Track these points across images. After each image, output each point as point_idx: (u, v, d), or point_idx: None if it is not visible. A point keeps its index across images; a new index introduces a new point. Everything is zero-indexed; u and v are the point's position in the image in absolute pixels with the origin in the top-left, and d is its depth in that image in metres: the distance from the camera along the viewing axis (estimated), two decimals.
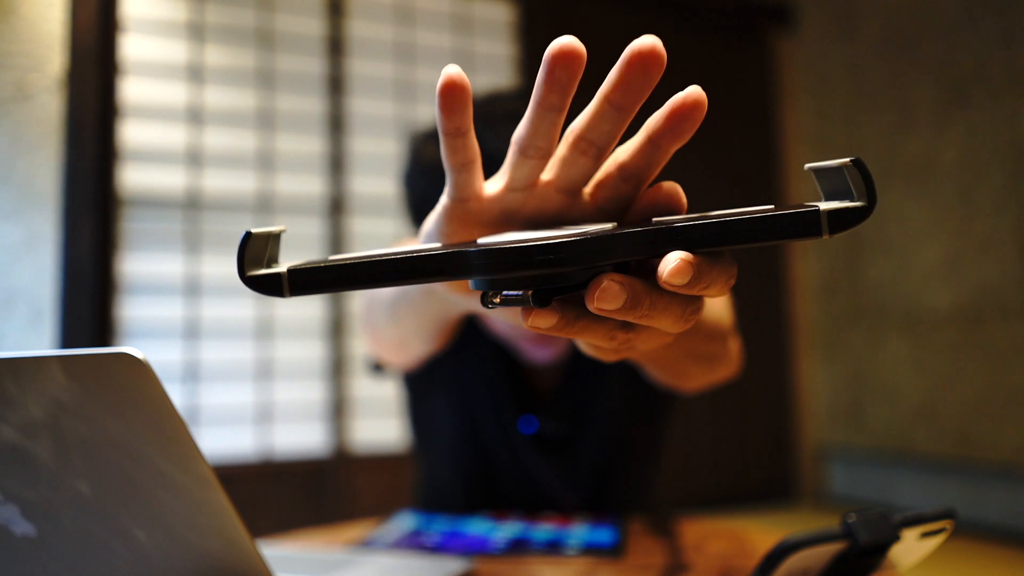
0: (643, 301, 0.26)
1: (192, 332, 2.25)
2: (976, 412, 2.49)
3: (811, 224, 0.25)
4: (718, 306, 0.60)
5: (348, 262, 0.28)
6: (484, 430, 0.80)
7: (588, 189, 0.32)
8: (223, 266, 2.29)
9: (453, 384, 0.81)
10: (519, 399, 0.79)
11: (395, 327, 0.66)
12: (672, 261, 0.25)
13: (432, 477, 0.86)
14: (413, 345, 0.71)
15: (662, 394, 0.81)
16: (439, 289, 0.38)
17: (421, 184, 0.74)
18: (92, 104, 2.13)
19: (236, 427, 2.26)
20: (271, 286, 0.28)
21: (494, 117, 0.68)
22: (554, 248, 0.25)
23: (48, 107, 2.08)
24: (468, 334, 0.79)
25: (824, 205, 0.25)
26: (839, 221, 0.25)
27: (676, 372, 0.64)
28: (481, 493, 0.80)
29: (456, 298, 0.38)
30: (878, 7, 2.91)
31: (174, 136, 2.28)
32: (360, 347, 2.40)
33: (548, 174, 0.32)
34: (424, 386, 0.84)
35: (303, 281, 0.28)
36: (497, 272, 0.26)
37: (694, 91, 0.27)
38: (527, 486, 0.79)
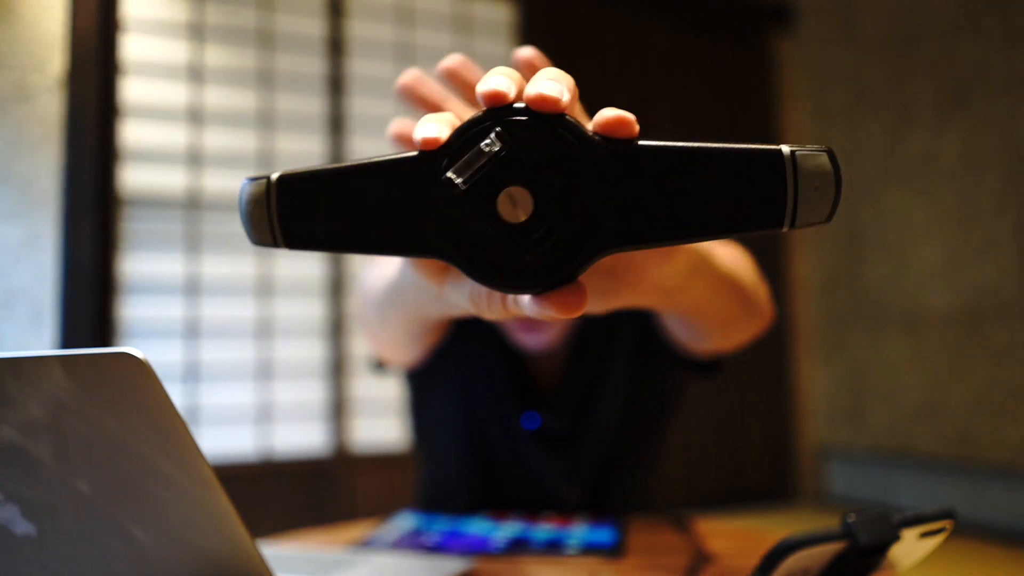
0: None
1: (192, 332, 2.25)
2: (976, 412, 2.49)
3: (773, 152, 0.26)
4: (732, 257, 0.59)
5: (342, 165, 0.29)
6: (486, 427, 0.80)
7: None
8: (223, 266, 2.29)
9: (455, 381, 0.81)
10: (522, 395, 0.79)
11: (384, 328, 0.67)
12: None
13: (434, 474, 0.86)
14: (404, 345, 0.72)
15: (665, 389, 0.81)
16: (424, 284, 0.37)
17: None
18: (92, 104, 2.13)
19: (236, 427, 2.26)
20: (260, 195, 0.29)
21: None
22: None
23: (48, 107, 2.08)
24: (469, 332, 0.79)
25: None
26: (799, 151, 0.26)
27: (723, 321, 0.61)
28: (482, 489, 0.80)
29: (435, 292, 0.37)
30: (878, 8, 2.92)
31: (174, 136, 2.28)
32: (360, 346, 2.40)
33: None
34: (426, 383, 0.84)
35: (290, 181, 0.29)
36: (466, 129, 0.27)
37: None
38: (528, 482, 0.79)
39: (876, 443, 2.87)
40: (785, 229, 0.27)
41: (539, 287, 0.28)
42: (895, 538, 0.37)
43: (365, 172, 0.28)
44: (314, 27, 2.47)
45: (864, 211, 2.95)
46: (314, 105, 2.45)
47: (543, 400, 0.80)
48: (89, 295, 2.09)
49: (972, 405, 2.51)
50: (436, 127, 0.28)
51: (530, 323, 0.75)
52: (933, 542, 0.40)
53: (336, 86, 2.47)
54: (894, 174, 2.82)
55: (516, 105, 0.27)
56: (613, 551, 0.59)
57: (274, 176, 0.29)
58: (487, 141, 0.27)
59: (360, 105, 2.50)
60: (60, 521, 0.34)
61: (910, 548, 0.39)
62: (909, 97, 2.77)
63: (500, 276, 0.28)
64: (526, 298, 0.30)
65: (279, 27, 2.43)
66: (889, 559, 0.39)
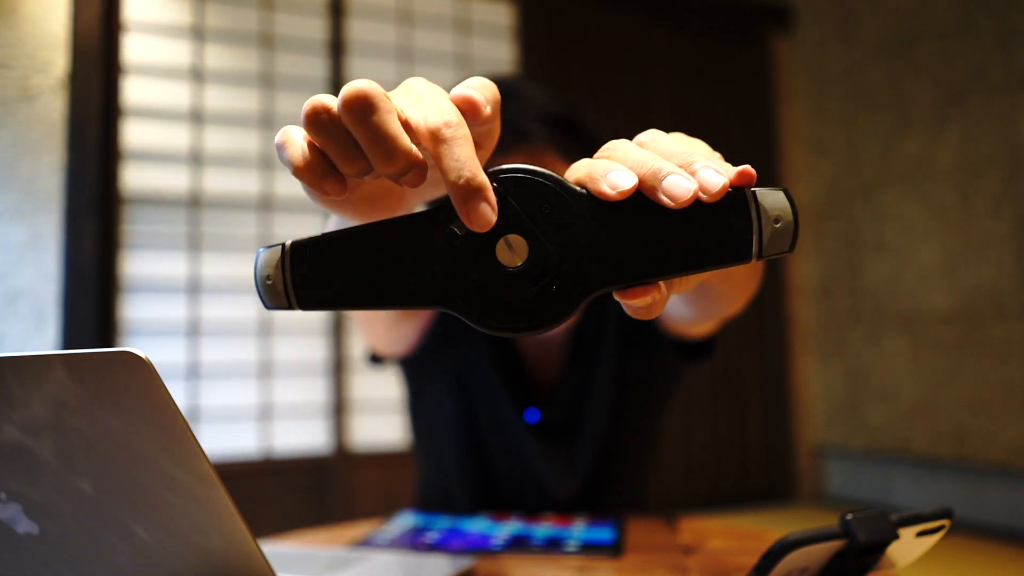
0: None
1: (194, 331, 2.25)
2: (973, 411, 2.49)
3: (737, 192, 0.28)
4: None
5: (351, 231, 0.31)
6: (484, 422, 0.80)
7: None
8: (225, 266, 2.29)
9: (452, 376, 0.81)
10: (519, 390, 0.79)
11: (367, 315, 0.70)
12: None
13: (432, 471, 0.86)
14: (398, 322, 0.74)
15: (656, 377, 0.81)
16: None
17: None
18: (95, 105, 2.14)
19: (238, 425, 2.26)
20: (275, 261, 0.31)
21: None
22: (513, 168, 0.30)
23: (51, 108, 2.09)
24: (463, 326, 0.80)
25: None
26: (759, 190, 0.28)
27: (737, 286, 0.60)
28: (480, 485, 0.81)
29: None
30: (876, 9, 2.92)
31: (176, 137, 2.29)
32: (359, 345, 2.41)
33: None
34: (423, 377, 0.84)
35: (302, 247, 0.31)
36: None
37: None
38: (526, 476, 0.79)
39: (874, 443, 2.87)
40: (753, 261, 0.29)
41: (535, 328, 0.30)
42: (893, 537, 0.37)
43: (373, 232, 0.31)
44: (315, 28, 2.48)
45: (862, 211, 2.95)
46: None
47: (542, 394, 0.80)
48: (91, 295, 2.09)
49: (969, 405, 2.51)
50: None
51: None
52: (930, 541, 0.40)
53: (337, 87, 2.47)
54: (892, 174, 2.82)
55: (512, 166, 0.30)
56: (612, 549, 0.59)
57: (288, 243, 0.31)
58: None
59: None
60: (62, 520, 0.35)
61: (908, 547, 0.39)
62: (907, 97, 2.77)
63: (500, 318, 0.30)
64: None
65: (280, 28, 2.43)
66: (887, 557, 0.39)
